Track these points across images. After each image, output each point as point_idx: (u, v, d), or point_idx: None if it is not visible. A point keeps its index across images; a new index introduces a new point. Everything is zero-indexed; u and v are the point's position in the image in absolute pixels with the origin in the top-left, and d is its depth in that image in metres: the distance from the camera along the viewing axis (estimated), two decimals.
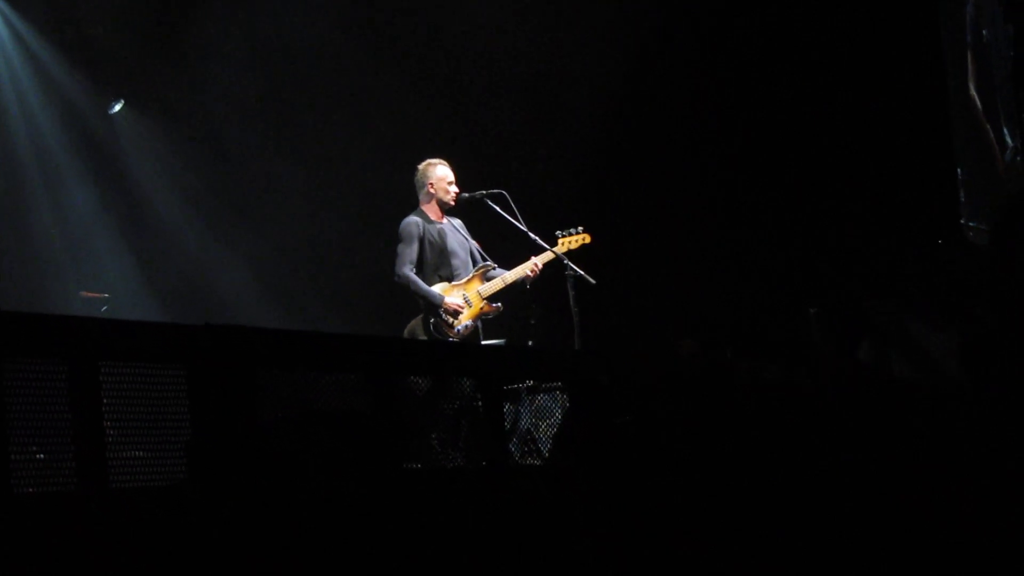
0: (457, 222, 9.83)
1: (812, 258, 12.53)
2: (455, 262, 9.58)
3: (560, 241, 9.82)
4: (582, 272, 9.57)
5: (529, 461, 9.04)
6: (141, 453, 4.57)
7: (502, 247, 10.09)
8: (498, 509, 5.48)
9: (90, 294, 11.15)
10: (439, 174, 9.70)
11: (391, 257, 9.61)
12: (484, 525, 5.30)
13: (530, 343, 10.22)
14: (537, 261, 9.64)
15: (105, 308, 10.88)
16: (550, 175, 12.90)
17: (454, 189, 9.69)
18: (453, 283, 9.54)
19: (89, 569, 3.98)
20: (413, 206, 9.82)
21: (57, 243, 12.24)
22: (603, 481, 5.89)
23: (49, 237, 12.17)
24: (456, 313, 9.46)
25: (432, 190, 9.67)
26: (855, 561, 5.81)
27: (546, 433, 9.03)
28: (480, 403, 6.11)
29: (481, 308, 9.61)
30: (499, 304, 9.68)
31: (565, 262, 9.58)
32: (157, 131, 13.14)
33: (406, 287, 9.45)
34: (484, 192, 9.83)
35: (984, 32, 11.42)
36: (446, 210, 9.76)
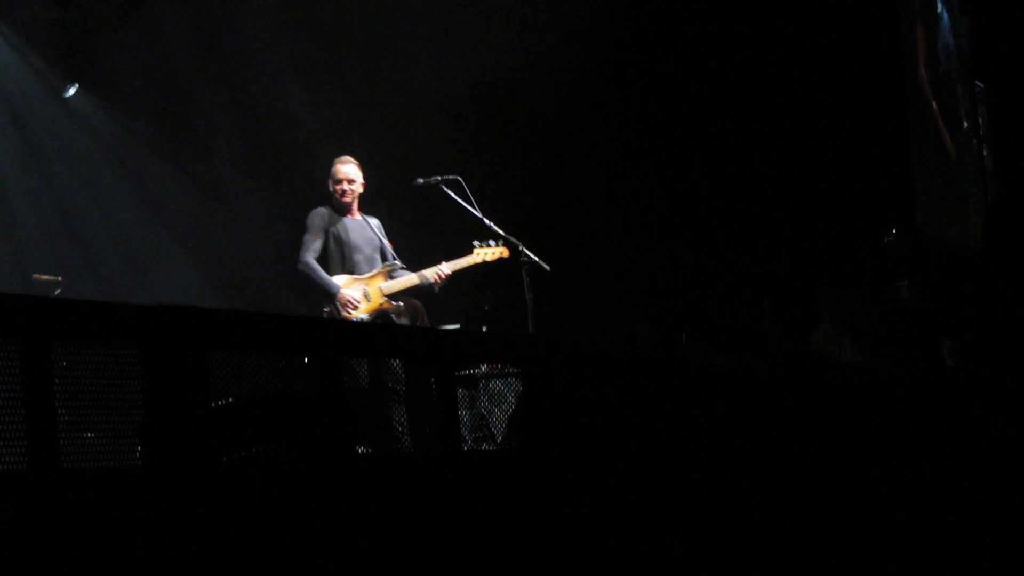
0: (373, 221, 9.89)
1: (767, 247, 12.61)
2: (357, 257, 9.67)
3: (476, 251, 9.87)
4: (536, 259, 9.61)
5: (483, 446, 9.08)
6: (93, 434, 4.55)
7: (454, 234, 10.12)
8: (450, 494, 5.50)
9: (43, 276, 11.09)
10: (334, 170, 9.83)
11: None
12: (436, 510, 5.32)
13: (484, 329, 10.24)
14: (445, 268, 9.73)
15: (59, 291, 10.82)
16: (505, 163, 12.92)
17: (348, 188, 9.74)
18: (355, 277, 9.57)
19: (39, 548, 3.97)
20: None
21: (11, 226, 12.19)
22: (555, 465, 5.93)
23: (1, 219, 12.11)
24: (349, 306, 9.47)
25: (331, 187, 9.75)
26: (806, 536, 5.88)
27: (500, 419, 9.07)
28: (433, 387, 6.13)
29: (380, 304, 9.66)
30: (400, 303, 9.72)
31: (520, 248, 9.61)
32: (110, 114, 13.07)
33: (307, 276, 9.49)
34: (439, 178, 9.86)
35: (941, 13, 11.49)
36: (360, 207, 9.82)
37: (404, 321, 11.38)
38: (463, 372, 9.56)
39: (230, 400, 4.98)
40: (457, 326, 10.39)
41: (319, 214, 9.69)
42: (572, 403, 6.16)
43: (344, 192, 9.71)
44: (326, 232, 9.61)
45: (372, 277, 9.64)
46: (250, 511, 4.58)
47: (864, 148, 12.22)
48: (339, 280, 9.50)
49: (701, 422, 6.27)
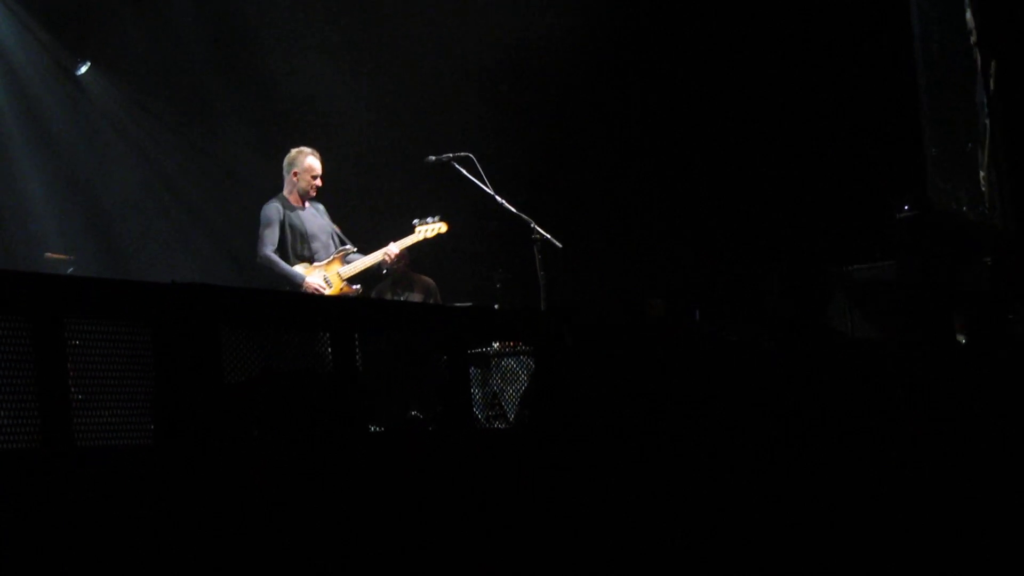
0: (320, 207, 9.98)
1: (778, 223, 12.59)
2: (315, 244, 9.76)
3: (417, 229, 10.07)
4: (548, 236, 9.59)
5: (496, 424, 9.09)
6: (106, 412, 4.56)
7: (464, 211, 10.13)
8: (463, 471, 5.50)
9: (55, 255, 11.10)
10: (306, 164, 9.87)
11: (254, 241, 9.76)
12: (449, 487, 5.32)
13: (496, 307, 10.24)
14: (393, 248, 9.86)
15: (71, 270, 10.83)
16: (517, 140, 12.90)
17: (318, 183, 9.79)
18: (314, 264, 9.64)
19: (53, 525, 3.99)
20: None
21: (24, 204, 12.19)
22: (566, 441, 5.92)
23: (13, 199, 12.10)
24: (317, 293, 9.54)
25: (296, 178, 9.83)
26: (813, 511, 5.89)
27: (512, 397, 9.08)
28: (445, 364, 6.13)
29: (341, 289, 9.75)
30: (358, 286, 9.82)
31: (532, 225, 9.59)
32: (122, 92, 13.08)
33: (269, 268, 9.54)
34: (451, 155, 9.84)
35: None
36: (308, 196, 9.86)
37: (416, 298, 11.41)
38: (475, 351, 9.57)
39: (245, 376, 4.99)
40: (469, 304, 10.39)
41: (273, 207, 9.79)
42: (584, 376, 6.16)
43: (314, 185, 9.80)
44: (282, 224, 9.70)
45: (330, 263, 9.75)
46: (262, 488, 4.59)
47: (876, 123, 12.19)
48: (300, 269, 9.59)
49: (713, 398, 6.27)
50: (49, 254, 11.12)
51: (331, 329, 5.29)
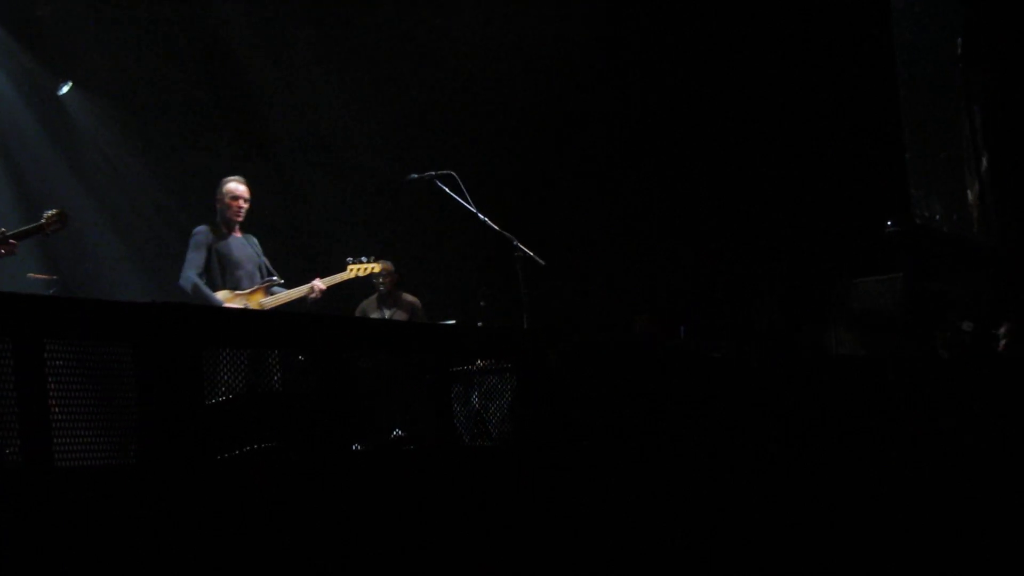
0: (252, 239, 10.10)
1: (764, 240, 12.62)
2: (239, 273, 9.85)
3: (349, 268, 10.26)
4: (531, 253, 9.58)
5: (479, 442, 9.06)
6: (88, 431, 4.53)
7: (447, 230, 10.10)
8: (446, 489, 5.49)
9: (38, 275, 11.07)
10: (226, 188, 10.05)
11: (180, 262, 9.85)
12: (433, 505, 5.31)
13: (479, 324, 10.23)
14: (320, 284, 9.98)
15: (53, 290, 10.80)
16: (501, 160, 12.91)
17: (240, 205, 9.82)
18: (236, 292, 9.68)
19: (33, 548, 3.97)
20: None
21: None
22: (550, 458, 5.92)
23: None
24: None
25: (219, 205, 9.88)
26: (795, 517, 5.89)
27: (496, 415, 9.06)
28: (429, 382, 6.12)
29: None
30: None
31: (515, 243, 9.59)
32: (105, 112, 13.06)
33: (192, 292, 9.59)
34: (434, 173, 9.83)
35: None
36: (240, 226, 9.90)
37: (401, 316, 11.41)
38: (458, 368, 9.56)
39: (226, 397, 4.97)
40: (453, 322, 10.39)
41: (203, 232, 9.90)
42: (566, 394, 6.16)
43: (239, 211, 9.87)
44: (209, 249, 9.76)
45: (252, 293, 9.80)
46: (245, 508, 4.57)
47: (859, 141, 12.23)
48: (221, 295, 9.66)
49: (698, 411, 6.27)
50: (32, 274, 11.09)
51: (313, 349, 5.28)
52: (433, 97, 13.25)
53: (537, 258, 9.58)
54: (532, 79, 12.95)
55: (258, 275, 9.94)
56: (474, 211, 9.67)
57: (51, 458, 4.26)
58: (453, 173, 9.75)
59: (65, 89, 12.79)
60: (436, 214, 10.55)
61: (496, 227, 9.68)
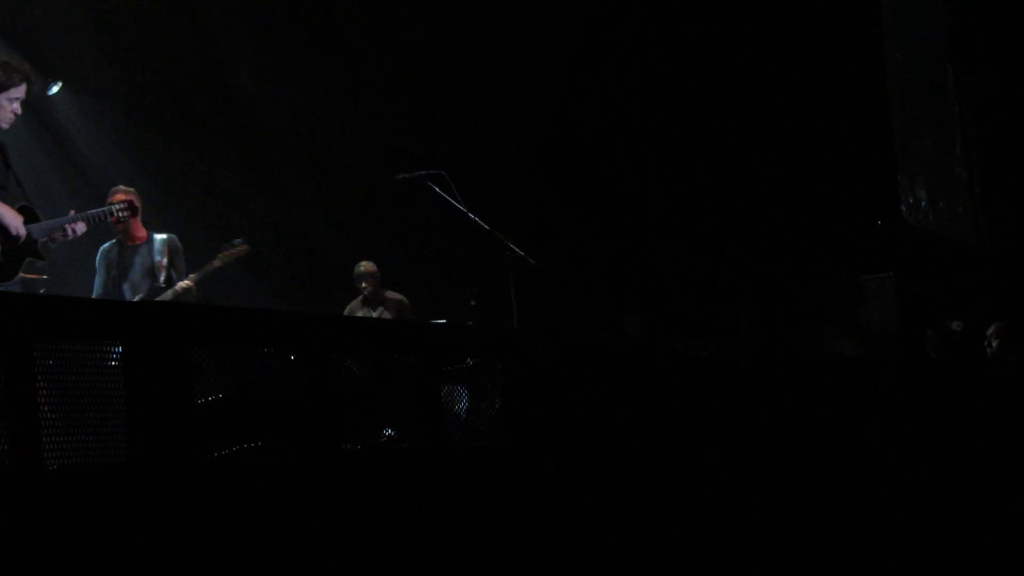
0: (159, 238, 9.95)
1: (750, 240, 12.63)
2: (124, 285, 9.79)
3: (219, 256, 9.94)
4: (522, 253, 9.57)
5: (469, 441, 9.06)
6: (77, 431, 4.53)
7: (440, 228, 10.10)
8: (436, 488, 5.50)
9: (27, 275, 11.04)
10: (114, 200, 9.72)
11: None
12: (423, 504, 5.32)
13: (470, 323, 10.23)
14: (189, 280, 9.76)
15: (43, 290, 10.78)
16: (495, 161, 12.91)
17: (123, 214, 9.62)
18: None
19: (23, 548, 3.96)
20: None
21: None
22: (543, 457, 5.93)
23: None
24: None
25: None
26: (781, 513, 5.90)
27: (485, 414, 9.06)
28: (419, 382, 6.12)
29: None
30: None
31: (505, 243, 9.58)
32: (95, 112, 13.05)
33: None
34: (424, 173, 9.80)
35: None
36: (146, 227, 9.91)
37: (388, 316, 11.40)
38: (448, 368, 9.55)
39: (216, 396, 4.97)
40: (443, 321, 10.38)
41: (101, 251, 9.90)
42: (558, 392, 6.17)
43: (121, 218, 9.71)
44: (107, 266, 9.74)
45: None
46: (236, 507, 4.57)
47: (847, 141, 12.25)
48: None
49: (690, 411, 6.28)
50: (21, 274, 11.06)
51: (303, 348, 5.27)
52: (422, 95, 13.25)
53: (528, 258, 9.57)
54: (521, 79, 12.95)
55: (146, 283, 9.78)
56: (464, 211, 9.65)
57: (41, 458, 4.25)
58: (443, 173, 9.73)
59: (55, 89, 12.77)
60: (426, 213, 10.52)
61: (487, 227, 9.67)
